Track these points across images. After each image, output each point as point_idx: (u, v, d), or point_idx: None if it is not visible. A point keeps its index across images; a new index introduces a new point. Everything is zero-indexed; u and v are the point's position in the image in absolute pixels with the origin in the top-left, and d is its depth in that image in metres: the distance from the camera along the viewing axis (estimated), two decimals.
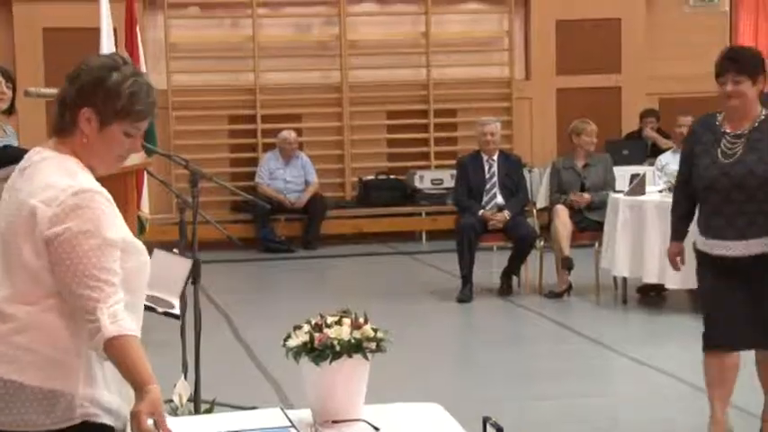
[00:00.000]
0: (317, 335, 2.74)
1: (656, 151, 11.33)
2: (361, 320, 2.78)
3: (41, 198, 2.67)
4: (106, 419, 2.74)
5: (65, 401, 2.68)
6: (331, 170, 12.56)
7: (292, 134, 12.03)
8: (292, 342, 2.78)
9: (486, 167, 9.16)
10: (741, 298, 4.70)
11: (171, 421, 2.67)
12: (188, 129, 12.32)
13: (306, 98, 12.52)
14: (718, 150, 4.77)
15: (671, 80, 12.87)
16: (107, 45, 7.77)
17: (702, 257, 4.85)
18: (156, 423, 2.59)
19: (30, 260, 2.68)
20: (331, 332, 2.74)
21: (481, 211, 8.99)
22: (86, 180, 2.73)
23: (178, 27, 12.45)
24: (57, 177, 2.71)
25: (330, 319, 2.78)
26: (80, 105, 2.74)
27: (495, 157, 9.20)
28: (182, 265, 4.55)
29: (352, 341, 2.73)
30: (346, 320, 2.77)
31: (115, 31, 8.15)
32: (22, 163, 2.83)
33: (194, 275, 4.84)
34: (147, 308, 3.13)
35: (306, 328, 2.78)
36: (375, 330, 2.77)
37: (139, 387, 2.64)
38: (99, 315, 2.61)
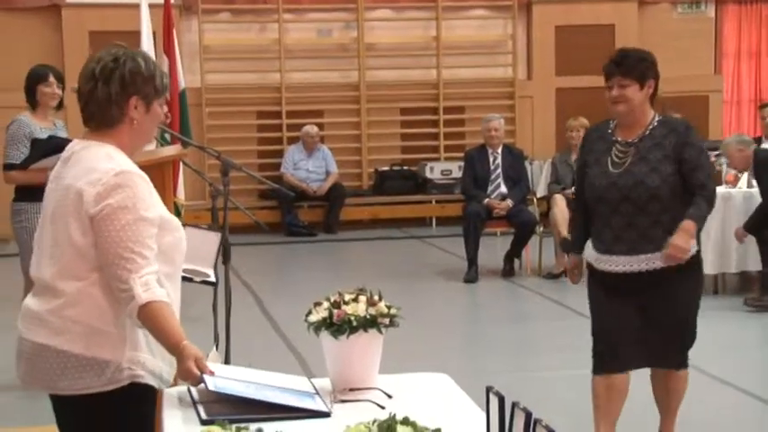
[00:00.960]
0: (335, 311, 2.74)
1: None
2: (376, 298, 2.78)
3: (86, 180, 2.70)
4: (151, 381, 2.77)
5: (113, 365, 2.71)
6: (349, 161, 12.55)
7: (314, 128, 12.02)
8: (313, 317, 2.78)
9: (491, 160, 9.15)
10: (630, 316, 4.08)
11: (213, 367, 2.68)
12: (220, 123, 12.32)
13: (327, 96, 12.51)
14: (609, 159, 4.11)
15: (661, 80, 12.76)
16: (147, 47, 7.78)
17: (592, 272, 4.22)
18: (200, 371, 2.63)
19: (77, 238, 2.70)
20: (348, 309, 2.74)
21: (486, 200, 8.99)
22: (126, 162, 2.75)
23: (211, 31, 12.44)
24: (99, 162, 2.72)
25: (347, 297, 2.78)
26: (128, 96, 2.76)
27: (500, 151, 9.19)
28: (212, 239, 4.55)
29: (368, 317, 2.73)
30: (362, 298, 2.77)
31: (154, 34, 8.16)
32: (65, 154, 2.84)
33: (225, 257, 4.85)
34: (185, 279, 3.16)
35: (325, 304, 2.78)
36: (388, 307, 2.77)
37: (174, 346, 2.67)
38: (132, 284, 2.63)
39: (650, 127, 4.11)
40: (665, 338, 4.13)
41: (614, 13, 12.83)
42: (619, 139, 4.14)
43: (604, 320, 4.17)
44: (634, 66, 4.08)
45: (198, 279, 4.45)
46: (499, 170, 9.13)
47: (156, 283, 2.68)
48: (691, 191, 4.05)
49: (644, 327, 4.08)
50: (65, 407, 2.79)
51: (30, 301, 2.84)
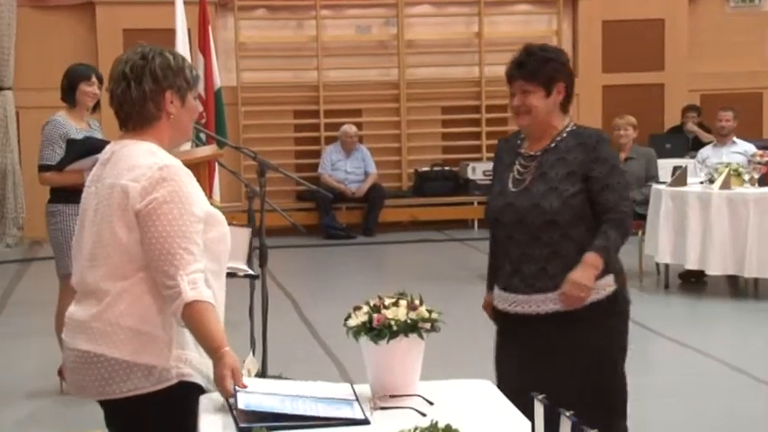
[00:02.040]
0: (375, 315, 2.74)
1: (697, 145, 11.17)
2: (417, 302, 2.78)
3: (130, 177, 2.74)
4: (198, 379, 2.81)
5: (160, 367, 2.75)
6: (389, 162, 12.56)
7: (353, 128, 12.05)
8: (352, 322, 2.78)
9: None
10: (526, 371, 3.45)
11: (246, 381, 2.70)
12: (256, 123, 12.39)
13: (366, 94, 12.53)
14: (510, 175, 3.57)
15: (712, 77, 12.68)
16: (182, 45, 7.84)
17: (494, 310, 3.68)
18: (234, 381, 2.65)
19: (122, 236, 2.73)
20: (388, 313, 2.74)
21: None
22: (167, 157, 2.79)
23: (247, 28, 12.51)
24: (141, 158, 2.77)
25: (388, 301, 2.78)
26: (163, 91, 2.81)
27: None
28: (242, 234, 4.58)
29: (408, 321, 2.72)
30: (403, 302, 2.77)
31: (189, 31, 8.23)
32: (104, 155, 2.88)
33: (262, 260, 4.88)
34: (229, 275, 3.21)
35: (365, 308, 2.78)
36: (429, 311, 2.77)
37: (214, 350, 2.69)
38: (179, 281, 2.66)
39: (558, 138, 3.52)
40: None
41: (664, 7, 12.73)
42: (523, 151, 3.58)
43: (498, 370, 3.65)
44: (539, 68, 3.48)
45: (241, 274, 4.48)
46: None
47: (202, 283, 2.71)
48: (599, 215, 3.47)
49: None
50: (114, 410, 2.84)
51: (73, 309, 2.89)
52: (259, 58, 12.53)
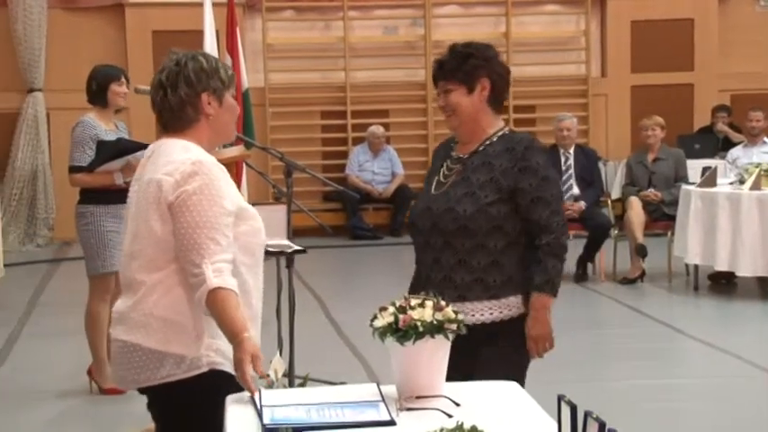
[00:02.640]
0: (401, 316, 2.74)
1: (727, 145, 11.09)
2: (443, 303, 2.78)
3: (164, 171, 2.85)
4: (229, 368, 2.85)
5: (191, 356, 2.85)
6: (416, 162, 12.55)
7: (380, 129, 12.05)
8: (378, 322, 2.79)
9: (563, 160, 9.10)
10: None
11: (271, 394, 2.72)
12: (283, 124, 12.42)
13: (393, 95, 12.54)
14: (436, 178, 3.43)
15: (742, 77, 12.58)
16: (210, 46, 7.89)
17: None
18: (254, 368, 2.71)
19: (157, 228, 2.84)
20: (415, 314, 2.74)
21: None
22: (202, 153, 2.89)
23: (275, 29, 12.55)
24: (175, 154, 2.89)
25: (414, 302, 2.78)
26: (198, 94, 2.91)
27: (572, 151, 9.14)
28: (279, 211, 4.61)
29: (435, 322, 2.73)
30: (429, 303, 2.77)
31: (217, 33, 8.27)
32: (146, 155, 3.00)
33: (288, 260, 4.90)
34: (278, 253, 3.28)
35: (391, 309, 2.79)
36: (456, 312, 2.77)
37: (234, 335, 2.75)
38: (204, 268, 2.75)
39: (487, 142, 3.35)
40: None
41: (693, 7, 12.65)
42: (453, 154, 3.43)
43: None
44: (458, 65, 3.32)
45: (290, 250, 4.50)
46: (571, 171, 9.07)
47: (228, 272, 2.79)
48: (530, 232, 3.28)
49: None
50: (151, 397, 2.97)
51: (117, 302, 3.01)
52: (286, 59, 12.57)
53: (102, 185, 5.60)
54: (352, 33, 12.56)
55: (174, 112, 2.92)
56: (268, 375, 2.80)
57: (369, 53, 12.64)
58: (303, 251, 4.65)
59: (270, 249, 3.36)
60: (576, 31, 12.92)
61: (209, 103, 2.93)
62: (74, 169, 5.64)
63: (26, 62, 11.73)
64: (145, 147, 5.64)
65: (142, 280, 2.87)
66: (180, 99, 2.90)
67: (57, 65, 11.81)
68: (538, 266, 3.26)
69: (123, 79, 5.76)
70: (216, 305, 2.75)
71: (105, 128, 5.70)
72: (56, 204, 11.62)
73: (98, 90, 5.73)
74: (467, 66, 3.33)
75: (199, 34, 8.03)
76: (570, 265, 9.16)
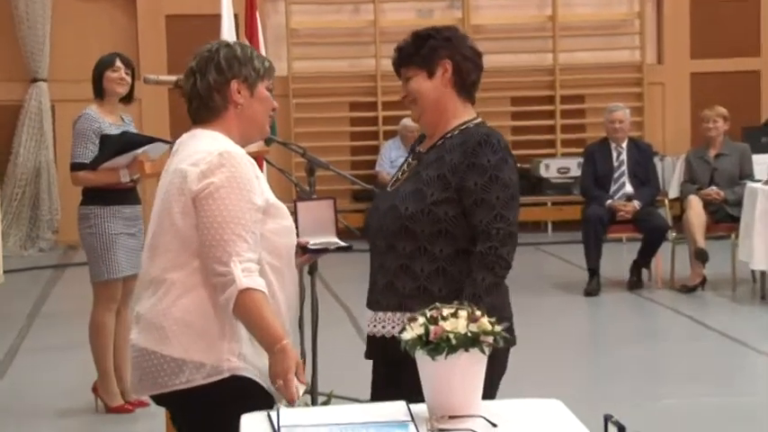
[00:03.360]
0: (432, 327, 2.72)
1: None
2: (478, 313, 2.75)
3: (190, 162, 2.89)
4: (254, 375, 2.89)
5: (211, 363, 2.87)
6: None
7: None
8: (407, 335, 2.76)
9: (615, 155, 9.05)
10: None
11: (290, 413, 2.71)
12: (308, 116, 12.44)
13: None
14: (398, 174, 3.36)
15: None
16: (228, 31, 7.88)
17: None
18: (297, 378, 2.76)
19: (179, 221, 2.87)
20: (447, 325, 2.71)
21: (609, 201, 8.88)
22: (230, 144, 2.94)
23: (299, 13, 12.57)
24: (203, 144, 2.93)
25: (446, 312, 2.76)
26: (228, 81, 2.98)
27: (625, 145, 9.09)
28: (326, 207, 4.60)
29: (469, 334, 2.70)
30: (463, 313, 2.74)
31: (236, 17, 8.27)
32: (174, 148, 3.06)
33: (311, 266, 4.88)
34: (321, 250, 3.28)
35: (421, 320, 2.76)
36: (492, 323, 2.74)
37: (273, 342, 2.78)
38: (232, 267, 2.78)
39: (448, 135, 3.23)
40: None
41: None
42: (417, 148, 3.34)
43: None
44: (416, 49, 3.26)
45: (332, 248, 4.51)
46: (624, 167, 9.02)
47: (257, 273, 2.82)
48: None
49: None
50: (168, 403, 3.02)
51: (138, 303, 3.04)
52: (312, 45, 12.58)
53: (107, 184, 5.61)
54: (383, 17, 12.56)
55: (202, 99, 2.99)
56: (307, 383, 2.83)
57: (401, 38, 12.57)
58: (348, 248, 4.65)
59: (312, 247, 3.36)
60: (629, 13, 12.84)
61: (239, 92, 2.99)
62: (76, 166, 5.66)
63: (29, 50, 11.82)
64: (153, 141, 5.69)
65: (162, 278, 2.89)
66: (208, 85, 2.98)
67: (63, 53, 11.90)
68: (470, 280, 3.14)
69: (119, 64, 5.75)
70: (248, 308, 2.78)
71: (109, 121, 5.71)
72: (60, 205, 11.70)
73: (95, 80, 5.76)
74: (425, 48, 3.24)
75: (216, 19, 8.01)
76: (623, 271, 9.10)
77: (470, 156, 3.15)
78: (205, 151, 2.90)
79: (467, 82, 3.28)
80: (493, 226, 3.12)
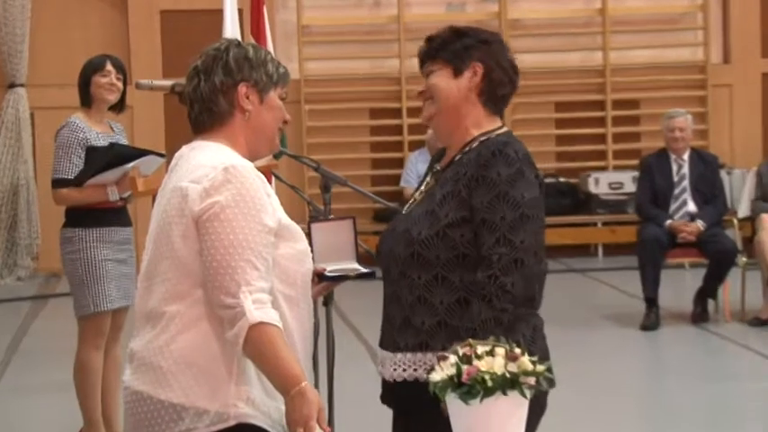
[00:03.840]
0: (465, 367, 2.72)
1: None
2: (518, 350, 2.75)
3: (191, 178, 2.89)
4: (263, 423, 2.89)
5: (215, 409, 2.86)
6: None
7: None
8: (437, 375, 2.76)
9: (675, 169, 9.04)
10: None
11: None
12: (322, 124, 12.48)
13: None
14: (415, 194, 3.36)
15: None
16: (231, 28, 7.93)
17: None
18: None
19: (179, 245, 2.87)
20: (482, 364, 2.71)
21: (669, 221, 8.87)
22: (236, 158, 2.93)
23: (311, 7, 12.63)
24: (206, 158, 2.93)
25: (481, 349, 2.75)
26: (236, 84, 2.98)
27: (686, 157, 9.08)
28: (346, 227, 4.61)
29: (507, 375, 2.69)
30: (500, 350, 2.74)
31: (240, 12, 8.32)
32: (172, 163, 3.04)
33: (326, 296, 4.88)
34: (339, 278, 3.34)
35: (452, 358, 2.76)
36: (534, 362, 2.73)
37: (290, 386, 2.77)
38: (242, 298, 2.77)
39: (466, 148, 3.18)
40: None
41: None
42: (436, 165, 3.32)
43: None
44: (446, 42, 3.23)
45: (353, 275, 4.51)
46: (686, 182, 9.01)
47: (269, 305, 2.82)
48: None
49: None
50: None
51: (132, 340, 3.03)
52: (327, 44, 12.63)
53: (94, 203, 5.64)
54: (408, 11, 12.60)
55: (205, 103, 2.99)
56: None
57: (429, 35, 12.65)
58: (371, 275, 4.65)
59: (330, 275, 3.35)
60: (689, 6, 12.85)
61: (248, 97, 3.00)
62: (58, 183, 5.69)
63: (5, 51, 11.92)
64: (146, 154, 5.72)
65: (160, 311, 2.89)
66: (213, 87, 2.99)
67: (43, 54, 11.99)
68: (469, 309, 3.08)
69: (110, 67, 5.78)
70: (261, 346, 2.77)
71: (97, 131, 5.74)
72: (41, 227, 11.76)
73: (81, 85, 5.78)
74: (457, 44, 3.21)
75: (217, 14, 8.08)
76: (686, 301, 9.06)
77: (481, 168, 3.09)
78: (208, 166, 2.89)
79: (496, 94, 3.22)
80: (494, 251, 3.05)
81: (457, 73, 3.18)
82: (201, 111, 3.02)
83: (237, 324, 2.77)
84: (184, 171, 2.94)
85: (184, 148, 3.05)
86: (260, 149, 3.08)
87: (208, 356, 2.87)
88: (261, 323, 2.77)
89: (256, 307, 2.78)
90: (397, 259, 3.18)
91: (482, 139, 3.16)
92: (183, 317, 2.88)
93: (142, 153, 5.70)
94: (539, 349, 3.08)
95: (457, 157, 3.18)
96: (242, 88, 2.99)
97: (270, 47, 8.43)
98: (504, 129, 3.23)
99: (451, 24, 3.34)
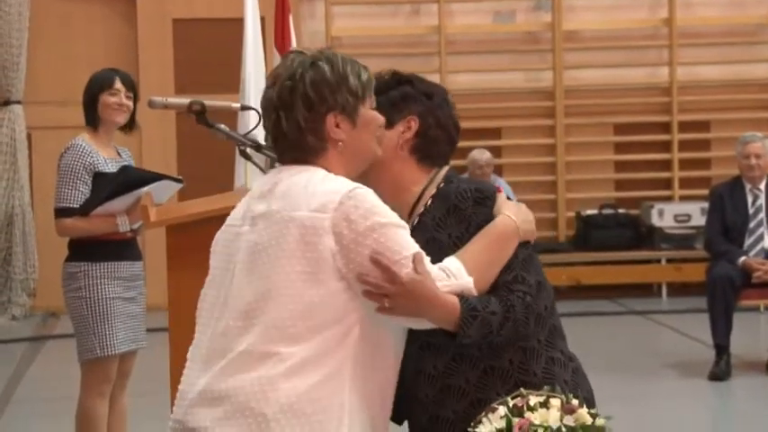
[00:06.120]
0: (516, 420, 2.74)
1: None
2: (575, 402, 2.77)
3: (311, 208, 2.89)
4: None
5: None
6: (539, 202, 12.54)
7: (486, 154, 11.99)
8: (485, 429, 2.78)
9: (750, 199, 9.00)
10: None
11: None
12: None
13: (506, 107, 12.56)
14: None
15: None
16: (252, 39, 7.98)
17: None
18: None
19: (299, 284, 2.86)
20: (535, 417, 2.73)
21: (743, 258, 8.82)
22: (349, 182, 2.94)
23: (342, 16, 12.69)
24: (317, 185, 2.92)
25: (533, 400, 2.77)
26: (322, 117, 2.97)
27: (763, 186, 9.04)
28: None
29: (564, 429, 2.71)
30: (555, 402, 2.76)
31: (263, 21, 8.36)
32: (263, 188, 3.02)
33: None
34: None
35: (502, 410, 2.78)
36: (593, 415, 2.75)
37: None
38: (448, 273, 2.97)
39: (422, 208, 3.21)
40: None
41: None
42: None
43: None
44: (385, 88, 3.25)
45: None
46: (762, 215, 8.98)
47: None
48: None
49: None
50: None
51: (198, 379, 2.94)
52: (359, 57, 12.46)
53: (101, 234, 5.66)
54: (450, 21, 12.65)
55: (292, 142, 2.98)
56: None
57: (473, 48, 12.70)
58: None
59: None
60: (766, 17, 12.81)
61: (338, 126, 2.98)
62: (62, 212, 5.71)
63: (0, 65, 11.95)
64: (160, 178, 5.73)
65: (268, 350, 2.84)
66: (296, 125, 2.96)
67: (43, 69, 12.06)
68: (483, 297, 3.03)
69: (119, 85, 5.78)
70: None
71: (105, 155, 5.76)
72: (38, 261, 11.80)
73: (87, 104, 5.79)
74: (396, 92, 3.27)
75: (237, 24, 8.14)
76: (761, 348, 9.01)
77: (474, 216, 3.14)
78: (327, 192, 2.89)
79: (429, 151, 3.24)
80: (515, 287, 3.08)
81: (389, 124, 3.17)
82: (287, 149, 3.01)
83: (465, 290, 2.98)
84: (291, 201, 2.91)
85: (280, 173, 3.01)
86: (359, 168, 3.07)
87: (317, 406, 2.84)
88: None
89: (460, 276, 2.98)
90: (407, 357, 3.07)
91: (433, 192, 3.21)
92: (298, 358, 2.84)
93: (156, 177, 5.66)
94: (584, 393, 3.10)
95: (415, 221, 3.18)
96: (330, 119, 2.97)
97: None
98: (444, 171, 3.26)
99: (395, 70, 3.37)
